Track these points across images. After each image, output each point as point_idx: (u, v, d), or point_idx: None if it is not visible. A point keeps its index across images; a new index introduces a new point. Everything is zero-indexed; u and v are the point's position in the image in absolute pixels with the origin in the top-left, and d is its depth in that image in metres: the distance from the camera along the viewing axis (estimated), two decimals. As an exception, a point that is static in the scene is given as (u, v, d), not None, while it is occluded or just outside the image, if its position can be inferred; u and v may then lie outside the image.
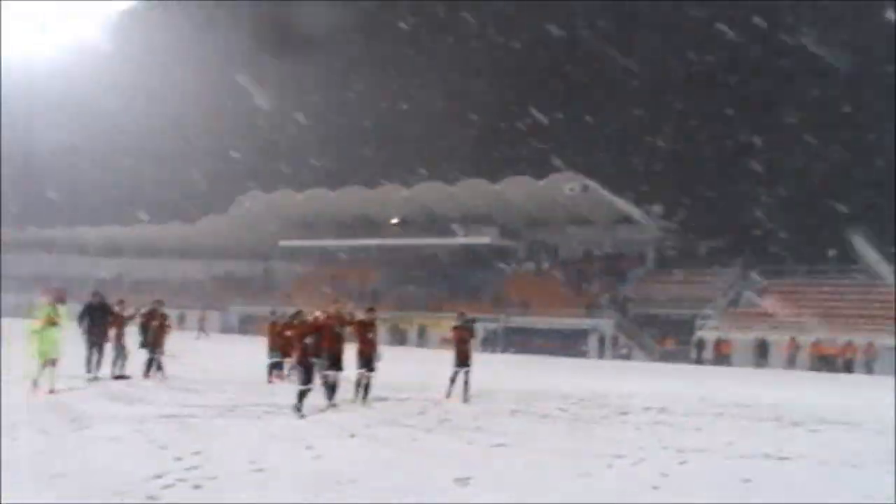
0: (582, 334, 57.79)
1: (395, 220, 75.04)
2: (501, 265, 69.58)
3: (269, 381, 23.23)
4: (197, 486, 9.46)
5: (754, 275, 59.53)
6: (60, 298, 19.13)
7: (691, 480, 11.39)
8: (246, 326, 71.96)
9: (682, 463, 12.72)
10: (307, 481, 10.20)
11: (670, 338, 55.77)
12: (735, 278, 60.56)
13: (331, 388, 17.92)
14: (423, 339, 62.04)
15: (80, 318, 21.88)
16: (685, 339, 54.92)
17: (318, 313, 17.63)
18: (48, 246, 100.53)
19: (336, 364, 17.92)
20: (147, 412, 15.86)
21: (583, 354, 55.88)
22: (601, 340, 56.70)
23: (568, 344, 56.43)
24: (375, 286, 69.65)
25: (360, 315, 19.38)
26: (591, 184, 62.13)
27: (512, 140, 74.16)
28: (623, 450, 13.77)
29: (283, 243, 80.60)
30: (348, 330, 18.50)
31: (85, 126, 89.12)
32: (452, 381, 20.82)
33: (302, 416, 15.71)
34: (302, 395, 16.13)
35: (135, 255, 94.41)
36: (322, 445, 12.84)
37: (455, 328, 21.44)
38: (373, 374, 18.98)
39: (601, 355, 55.69)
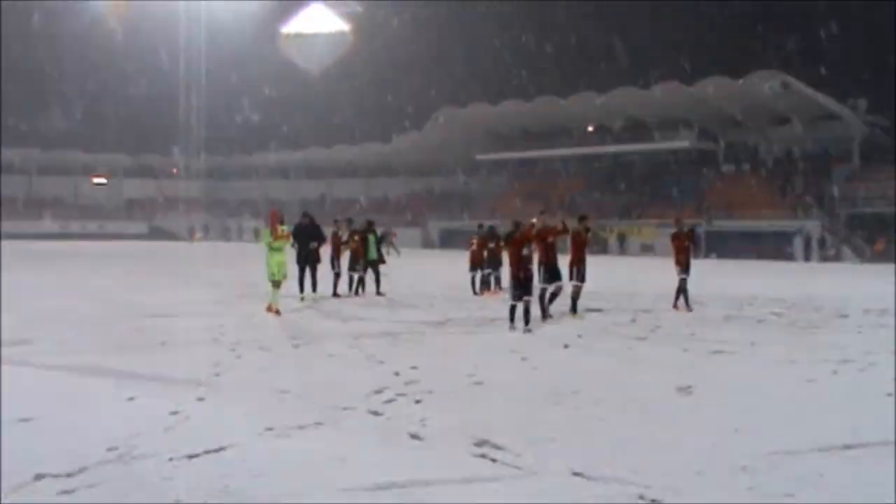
0: (787, 236, 55.92)
1: (590, 128, 74.19)
2: (701, 169, 67.99)
3: (479, 294, 23.28)
4: (418, 401, 9.41)
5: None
6: (278, 219, 19.12)
7: (928, 385, 10.67)
8: (446, 241, 72.80)
9: (919, 369, 12.01)
10: (528, 393, 10.03)
11: (882, 237, 53.28)
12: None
13: (548, 301, 17.54)
14: (623, 247, 61.41)
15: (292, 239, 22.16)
16: (885, 240, 52.56)
17: (534, 220, 17.21)
18: (253, 171, 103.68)
19: (554, 276, 17.49)
20: (361, 329, 16.00)
21: (788, 257, 54.18)
22: (807, 242, 54.75)
23: (773, 247, 54.73)
24: (573, 195, 69.22)
25: (572, 224, 18.83)
26: (792, 80, 59.76)
27: (707, 40, 71.82)
28: (848, 354, 13.11)
29: (479, 157, 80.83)
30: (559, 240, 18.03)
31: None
32: (679, 290, 19.86)
33: (514, 329, 15.52)
34: (514, 308, 15.83)
35: (335, 175, 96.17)
36: (537, 357, 12.66)
37: (674, 235, 20.55)
38: (583, 284, 18.52)
39: (808, 258, 53.92)
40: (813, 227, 55.85)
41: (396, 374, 11.07)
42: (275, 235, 18.51)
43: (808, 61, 64.02)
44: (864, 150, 62.34)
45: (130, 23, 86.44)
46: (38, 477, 6.49)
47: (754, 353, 13.23)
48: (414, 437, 7.85)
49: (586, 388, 10.21)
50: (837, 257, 53.87)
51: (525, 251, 15.78)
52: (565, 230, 18.08)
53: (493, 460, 7.10)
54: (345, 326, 16.61)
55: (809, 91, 60.08)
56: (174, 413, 8.66)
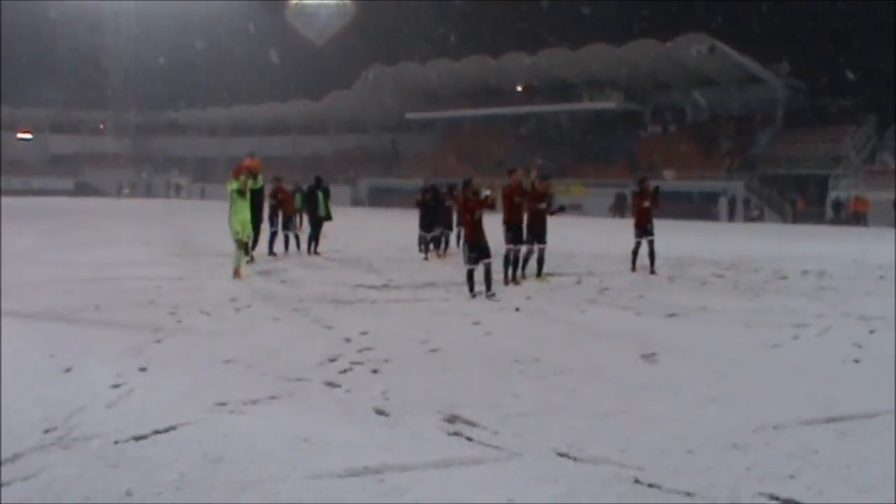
0: (712, 197, 56.10)
1: (519, 88, 73.81)
2: (628, 129, 68.01)
3: (424, 258, 22.19)
4: (375, 371, 8.75)
5: (890, 131, 56.74)
6: (246, 171, 17.91)
7: (890, 350, 10.28)
8: (376, 199, 72.30)
9: (871, 332, 11.62)
10: (487, 361, 9.38)
11: (804, 198, 53.68)
12: (868, 136, 57.76)
13: (514, 264, 16.62)
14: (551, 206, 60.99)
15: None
16: (818, 200, 53.04)
17: (487, 191, 15.96)
18: (180, 128, 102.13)
19: (517, 238, 16.53)
20: (303, 292, 15.23)
21: (713, 217, 54.37)
22: (732, 203, 55.02)
23: (699, 207, 54.88)
24: (503, 155, 68.66)
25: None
26: (718, 44, 59.86)
27: (636, 2, 71.50)
28: (802, 318, 12.73)
29: (409, 115, 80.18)
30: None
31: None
32: (635, 253, 19.16)
33: (475, 296, 14.50)
34: (471, 273, 14.80)
35: (263, 133, 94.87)
36: (489, 321, 12.03)
37: (636, 194, 19.79)
38: (545, 246, 17.40)
39: (732, 218, 54.24)
40: (737, 187, 56.06)
41: (347, 340, 10.40)
42: (242, 186, 17.25)
43: (734, 25, 64.05)
44: (787, 113, 62.55)
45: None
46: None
47: (710, 318, 12.75)
48: (379, 412, 7.17)
49: (547, 356, 9.62)
50: (761, 218, 54.14)
51: (477, 214, 14.86)
52: (530, 191, 17.19)
53: (469, 439, 6.47)
54: (285, 288, 15.86)
55: (734, 54, 60.21)
56: (116, 386, 7.90)
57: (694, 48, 60.74)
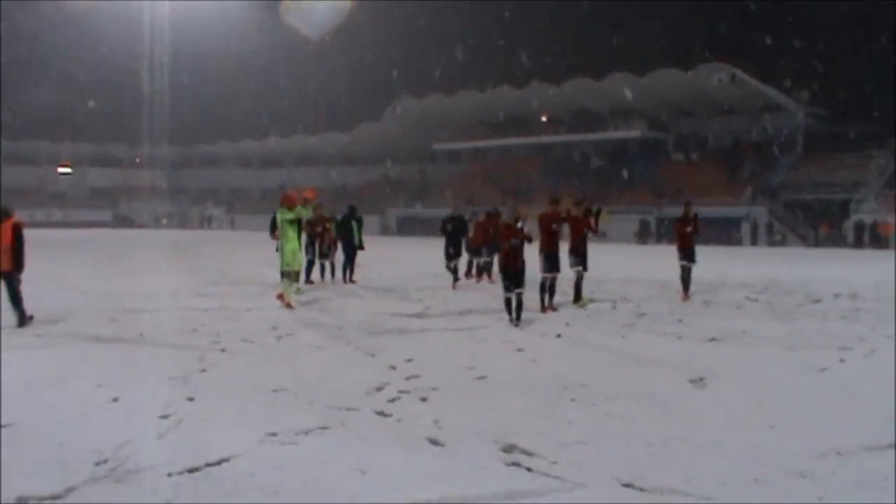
0: (735, 222, 55.61)
1: (544, 118, 73.61)
2: (652, 157, 67.70)
3: (453, 286, 21.11)
4: (424, 399, 8.42)
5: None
6: (304, 201, 17.52)
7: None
8: (404, 228, 72.21)
9: (917, 354, 11.26)
10: (536, 388, 9.02)
11: (825, 222, 53.14)
12: (887, 161, 57.18)
13: (549, 291, 16.13)
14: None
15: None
16: (839, 224, 52.55)
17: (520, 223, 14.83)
18: (214, 160, 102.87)
19: (554, 266, 16.03)
20: (342, 320, 14.93)
21: (737, 242, 53.91)
22: (754, 227, 54.63)
23: (722, 232, 54.27)
24: (529, 184, 68.41)
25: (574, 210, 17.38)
26: (739, 73, 59.62)
27: (658, 32, 71.37)
28: (843, 341, 12.35)
29: (436, 146, 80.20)
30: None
31: (238, 38, 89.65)
32: (683, 279, 18.61)
33: (514, 323, 14.01)
34: (509, 301, 14.23)
35: (294, 164, 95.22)
36: (532, 348, 11.70)
37: (676, 221, 19.26)
38: (586, 270, 17.18)
39: (755, 242, 53.92)
40: (760, 212, 55.67)
41: (392, 367, 10.10)
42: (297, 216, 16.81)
43: (754, 54, 63.68)
44: (807, 140, 62.14)
45: (95, 11, 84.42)
46: (21, 501, 5.43)
47: (751, 342, 12.38)
48: (433, 442, 6.85)
49: (594, 382, 9.27)
50: (783, 242, 53.68)
51: (514, 240, 14.40)
52: (567, 217, 16.88)
53: (529, 469, 6.14)
54: (325, 316, 15.55)
55: (755, 82, 59.94)
56: (165, 416, 7.61)
57: (715, 77, 60.64)
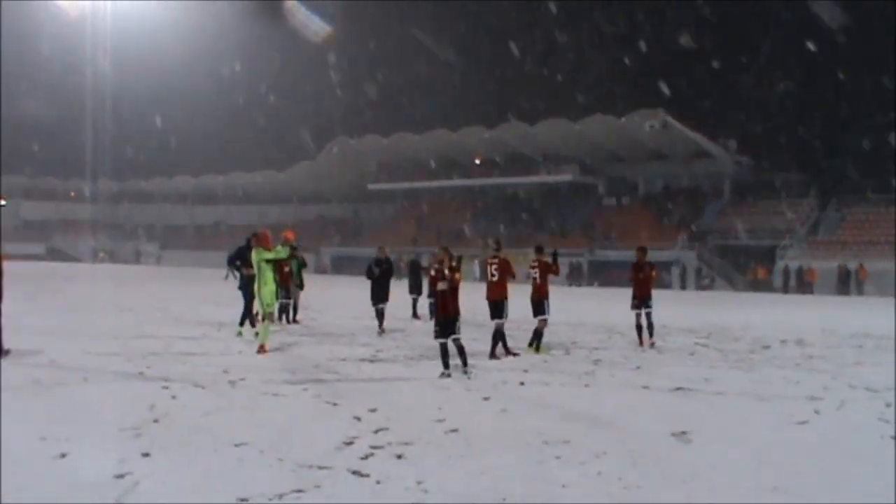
0: (664, 266, 55.59)
1: (477, 161, 73.51)
2: (584, 201, 67.83)
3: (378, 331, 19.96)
4: (399, 456, 7.72)
5: (831, 204, 57.13)
6: (268, 241, 16.30)
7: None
8: (338, 267, 71.99)
9: (888, 405, 10.83)
10: (515, 443, 8.35)
11: (762, 268, 53.54)
12: (812, 209, 57.97)
13: (501, 338, 15.50)
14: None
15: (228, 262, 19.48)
16: (767, 269, 53.02)
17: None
18: (149, 196, 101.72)
19: (499, 312, 15.38)
20: (294, 364, 14.15)
21: (667, 285, 53.83)
22: (683, 271, 54.71)
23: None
24: (461, 225, 68.14)
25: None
26: (670, 120, 59.99)
27: (592, 79, 71.90)
28: (809, 390, 11.94)
29: (371, 187, 79.77)
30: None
31: (177, 76, 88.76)
32: (639, 327, 17.96)
33: (445, 374, 12.86)
34: (444, 347, 13.06)
35: (230, 202, 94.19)
36: (498, 397, 11.06)
37: (634, 265, 18.64)
38: (546, 317, 16.50)
39: (684, 286, 53.88)
40: (689, 257, 55.78)
41: (357, 419, 9.37)
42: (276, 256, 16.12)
43: (685, 102, 64.24)
44: (735, 187, 62.71)
45: (33, 41, 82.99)
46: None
47: (717, 391, 11.88)
48: (424, 509, 6.18)
49: (575, 437, 8.65)
50: (711, 286, 53.83)
51: (443, 285, 13.11)
52: (542, 263, 16.68)
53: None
54: (274, 360, 14.71)
55: (685, 130, 60.33)
56: (120, 476, 6.82)
57: (647, 123, 60.76)
